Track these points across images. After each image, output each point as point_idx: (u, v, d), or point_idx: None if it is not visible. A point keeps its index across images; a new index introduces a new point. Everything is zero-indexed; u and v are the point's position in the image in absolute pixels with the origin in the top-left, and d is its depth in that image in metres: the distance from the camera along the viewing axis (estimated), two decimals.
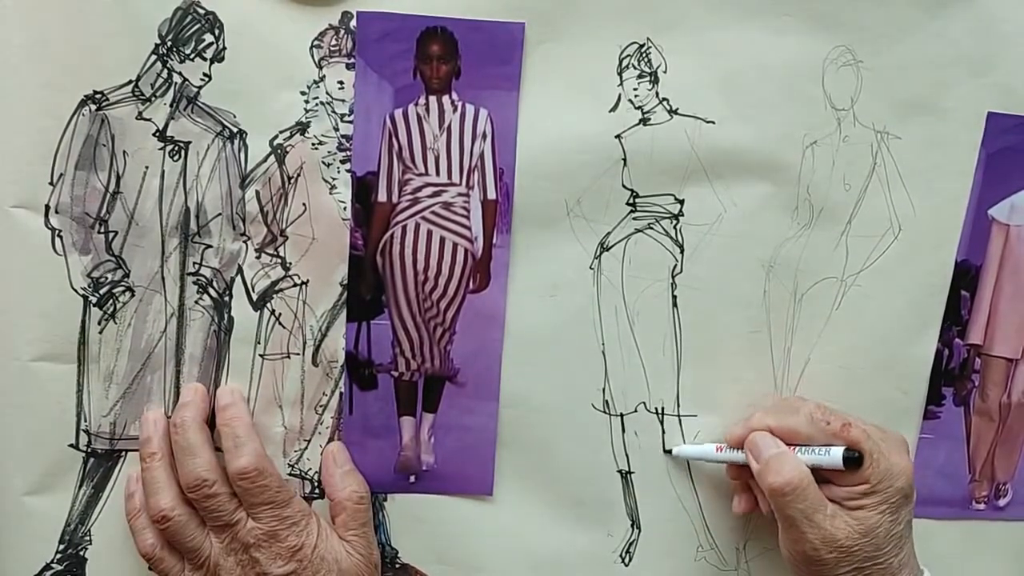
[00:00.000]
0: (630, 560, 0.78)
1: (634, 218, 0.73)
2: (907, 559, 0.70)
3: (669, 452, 0.77)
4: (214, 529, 0.70)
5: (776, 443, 0.70)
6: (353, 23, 0.68)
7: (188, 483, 0.69)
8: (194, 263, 0.71)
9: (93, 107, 0.68)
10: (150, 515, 0.70)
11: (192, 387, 0.72)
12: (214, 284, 0.72)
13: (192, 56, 0.68)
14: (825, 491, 0.69)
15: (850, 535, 0.68)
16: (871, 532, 0.68)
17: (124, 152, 0.69)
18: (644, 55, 0.71)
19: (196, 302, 0.72)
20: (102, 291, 0.71)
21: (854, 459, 0.67)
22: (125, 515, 0.72)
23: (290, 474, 0.75)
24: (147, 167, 0.70)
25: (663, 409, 0.77)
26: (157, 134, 0.69)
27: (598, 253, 0.74)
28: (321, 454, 0.74)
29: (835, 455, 0.68)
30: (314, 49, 0.69)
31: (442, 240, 0.72)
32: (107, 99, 0.68)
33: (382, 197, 0.71)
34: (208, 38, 0.68)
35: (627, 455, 0.77)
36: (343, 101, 0.70)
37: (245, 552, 0.69)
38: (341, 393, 0.74)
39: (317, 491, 0.75)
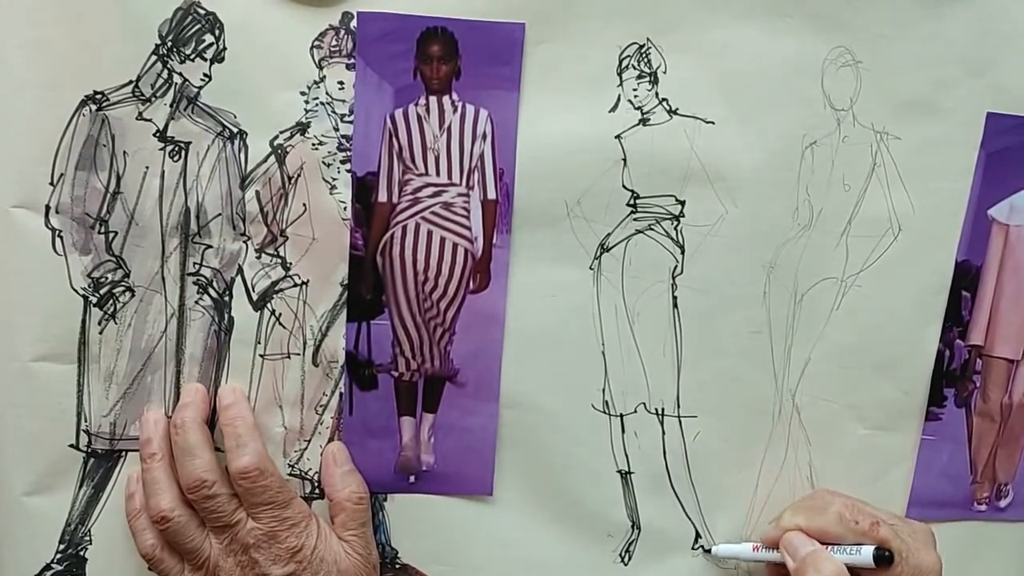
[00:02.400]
0: (629, 560, 0.78)
1: (634, 219, 0.73)
2: None
3: (708, 551, 0.78)
4: (214, 530, 0.70)
5: (811, 542, 0.72)
6: (353, 23, 0.68)
7: (188, 484, 0.69)
8: (194, 263, 0.71)
9: (93, 107, 0.68)
10: (150, 516, 0.70)
11: (192, 387, 0.72)
12: (214, 284, 0.72)
13: (192, 56, 0.68)
14: None
15: None
16: None
17: (124, 152, 0.69)
18: (644, 55, 0.71)
19: (196, 302, 0.72)
20: (102, 291, 0.71)
21: (885, 558, 0.69)
22: (125, 515, 0.72)
23: (290, 474, 0.75)
24: (147, 167, 0.70)
25: (663, 410, 0.77)
26: (157, 134, 0.69)
27: (598, 253, 0.74)
28: (321, 454, 0.74)
29: (866, 554, 0.70)
30: (314, 49, 0.69)
31: (442, 240, 0.72)
32: (107, 99, 0.68)
33: (382, 197, 0.71)
34: (208, 38, 0.68)
35: (627, 455, 0.77)
36: (343, 101, 0.70)
37: (245, 553, 0.69)
38: (341, 393, 0.74)
39: (317, 491, 0.75)
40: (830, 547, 0.71)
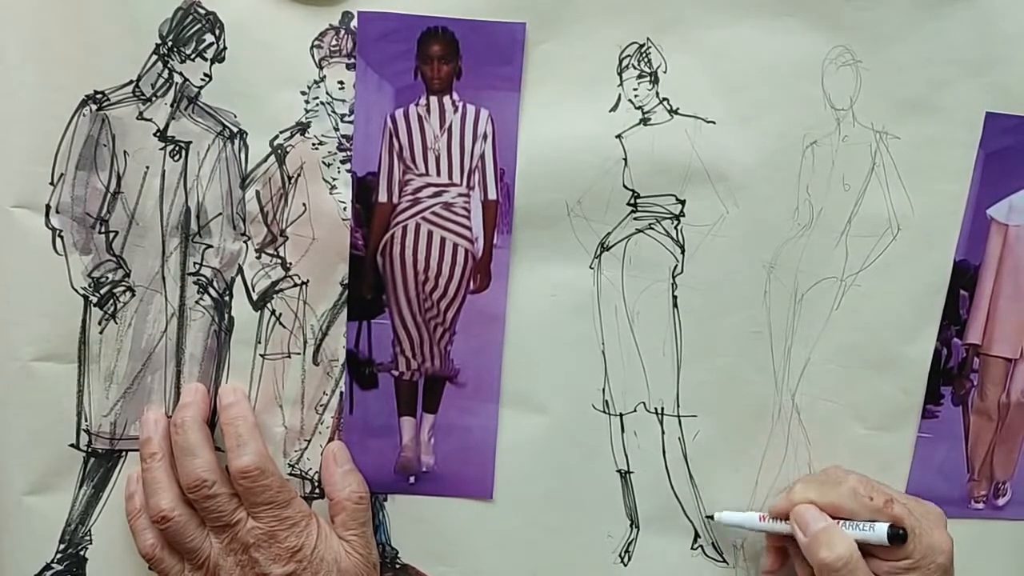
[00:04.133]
0: (629, 560, 0.78)
1: (635, 218, 0.73)
2: None
3: (711, 517, 0.77)
4: (214, 529, 0.70)
5: (823, 517, 0.71)
6: (354, 23, 0.68)
7: (188, 483, 0.69)
8: (194, 263, 0.71)
9: (94, 107, 0.68)
10: (150, 515, 0.70)
11: (192, 387, 0.72)
12: (214, 284, 0.72)
13: (193, 56, 0.68)
14: (868, 564, 0.70)
15: None
16: None
17: (125, 152, 0.69)
18: (644, 55, 0.71)
19: (196, 302, 0.72)
20: (103, 291, 0.71)
21: (899, 536, 0.69)
22: (126, 515, 0.72)
23: (290, 474, 0.75)
24: (148, 167, 0.70)
25: (663, 409, 0.77)
26: (158, 134, 0.69)
27: (598, 253, 0.74)
28: (321, 454, 0.74)
29: (880, 531, 0.69)
30: (314, 49, 0.69)
31: (443, 240, 0.72)
32: (108, 99, 0.68)
33: (383, 197, 0.71)
34: (209, 38, 0.68)
35: (626, 455, 0.77)
36: (343, 101, 0.70)
37: (245, 552, 0.69)
38: (341, 393, 0.74)
39: (317, 491, 0.75)
40: (842, 522, 0.71)
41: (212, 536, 0.70)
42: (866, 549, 0.70)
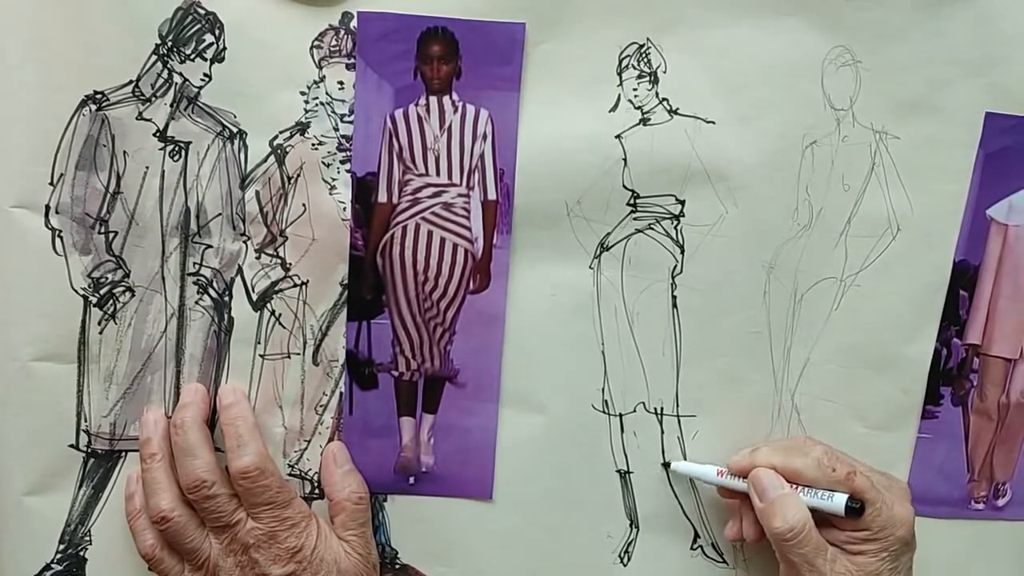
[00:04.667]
0: (629, 560, 0.78)
1: (634, 218, 0.73)
2: None
3: (667, 465, 0.77)
4: (213, 530, 0.70)
5: (781, 484, 0.71)
6: (353, 23, 0.68)
7: (187, 484, 0.69)
8: (194, 263, 0.71)
9: (93, 107, 0.68)
10: (150, 516, 0.70)
11: (192, 387, 0.72)
12: (214, 284, 0.72)
13: (192, 56, 0.68)
14: (826, 533, 0.70)
15: None
16: None
17: (124, 152, 0.69)
18: (644, 55, 0.71)
19: (196, 302, 0.72)
20: (102, 291, 0.71)
21: (855, 509, 0.69)
22: (126, 516, 0.72)
23: (290, 474, 0.75)
24: (147, 167, 0.70)
25: (662, 409, 0.77)
26: (157, 134, 0.69)
27: (598, 253, 0.74)
28: (321, 454, 0.74)
29: (838, 501, 0.69)
30: (314, 49, 0.69)
31: (442, 241, 0.72)
32: (107, 99, 0.68)
33: (382, 198, 0.71)
34: (208, 38, 0.68)
35: (626, 455, 0.77)
36: (343, 101, 0.70)
37: (244, 553, 0.69)
38: (341, 393, 0.74)
39: (317, 491, 0.75)
40: (803, 489, 0.71)
41: (212, 537, 0.70)
42: (825, 518, 0.70)
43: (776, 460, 0.72)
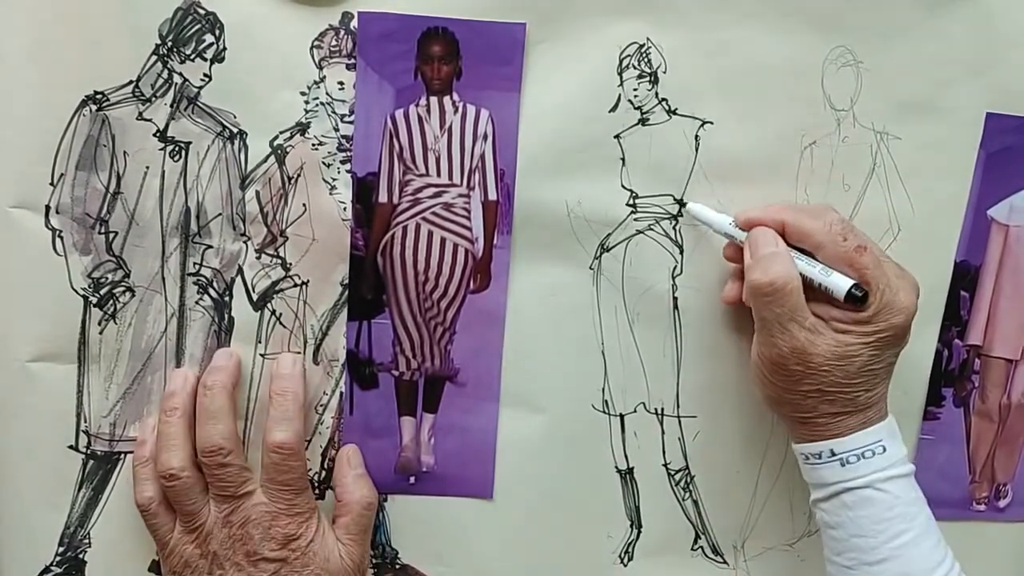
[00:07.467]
0: (629, 560, 0.78)
1: (634, 219, 0.73)
2: (876, 399, 0.67)
3: (683, 203, 0.73)
4: (217, 498, 0.69)
5: (776, 242, 0.67)
6: (354, 23, 0.68)
7: (205, 447, 0.68)
8: (194, 263, 0.71)
9: (93, 107, 0.68)
10: (158, 470, 0.69)
11: (227, 351, 0.72)
12: (214, 284, 0.72)
13: (192, 56, 0.68)
14: (819, 308, 0.66)
15: (823, 353, 0.65)
16: (846, 359, 0.65)
17: (124, 152, 0.69)
18: (644, 55, 0.71)
19: (196, 302, 0.72)
20: (102, 291, 0.71)
21: (859, 297, 0.64)
22: (132, 462, 0.72)
23: None
24: (147, 167, 0.70)
25: (663, 410, 0.77)
26: (157, 134, 0.69)
27: (598, 253, 0.74)
28: (322, 455, 0.74)
29: (836, 281, 0.65)
30: (314, 49, 0.69)
31: (443, 241, 0.72)
32: (107, 99, 0.68)
33: (383, 198, 0.71)
34: (208, 38, 0.68)
35: (626, 455, 0.77)
36: (343, 102, 0.70)
37: (242, 527, 0.69)
38: (341, 393, 0.74)
39: (316, 491, 0.75)
40: (800, 255, 0.66)
41: (213, 504, 0.69)
42: (821, 293, 0.66)
43: (787, 216, 0.68)
